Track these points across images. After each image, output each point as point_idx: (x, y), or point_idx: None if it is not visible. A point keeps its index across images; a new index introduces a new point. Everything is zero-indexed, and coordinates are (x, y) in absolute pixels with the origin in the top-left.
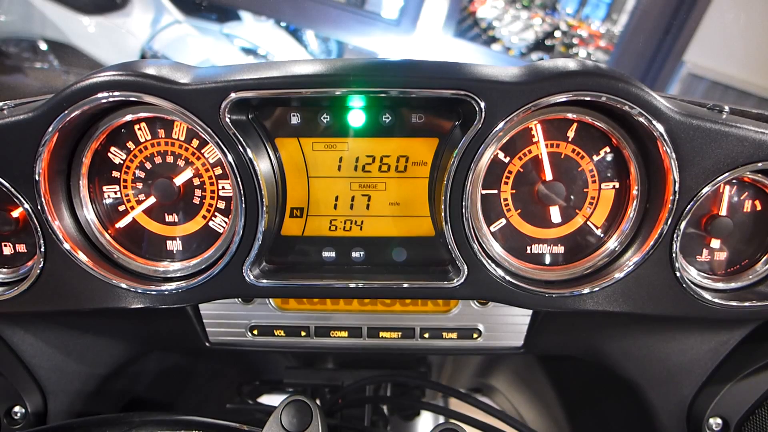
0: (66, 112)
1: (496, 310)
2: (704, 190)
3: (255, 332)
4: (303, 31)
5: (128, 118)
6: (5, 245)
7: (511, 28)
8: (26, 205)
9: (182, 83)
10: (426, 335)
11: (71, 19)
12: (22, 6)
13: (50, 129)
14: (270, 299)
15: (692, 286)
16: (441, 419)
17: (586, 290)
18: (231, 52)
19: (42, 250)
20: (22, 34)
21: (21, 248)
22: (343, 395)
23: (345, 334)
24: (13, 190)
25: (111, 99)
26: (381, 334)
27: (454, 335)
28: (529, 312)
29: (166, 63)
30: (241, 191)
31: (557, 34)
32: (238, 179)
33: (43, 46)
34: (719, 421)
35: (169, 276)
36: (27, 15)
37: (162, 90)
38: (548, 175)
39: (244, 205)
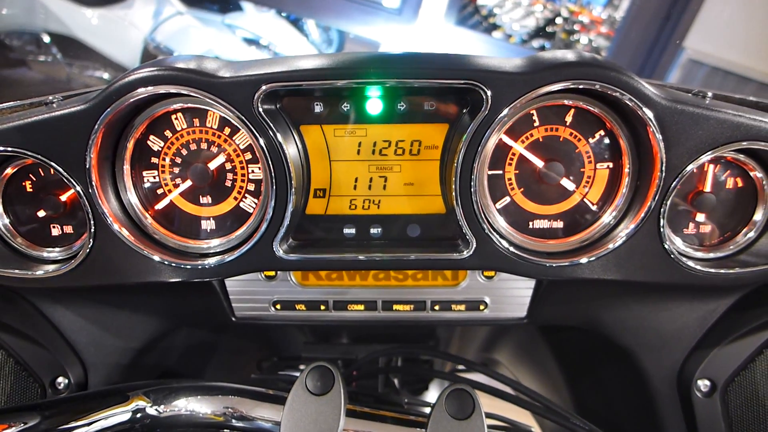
0: (116, 103)
1: (501, 284)
2: (688, 168)
3: (278, 307)
4: (304, 20)
5: (172, 107)
6: (53, 227)
7: (512, 15)
8: (78, 188)
9: (219, 76)
10: (436, 307)
11: (74, 12)
12: None
13: (101, 119)
14: (291, 276)
15: (678, 255)
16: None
17: (583, 260)
18: (233, 42)
19: (92, 230)
20: (25, 27)
21: (68, 230)
22: (358, 367)
23: (361, 307)
24: (67, 174)
25: (157, 92)
26: (395, 307)
27: (462, 307)
28: (532, 285)
29: (198, 57)
30: (272, 174)
31: (558, 20)
32: (269, 163)
33: (46, 39)
34: (707, 382)
35: (204, 252)
36: (30, 8)
37: (202, 83)
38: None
39: (274, 187)
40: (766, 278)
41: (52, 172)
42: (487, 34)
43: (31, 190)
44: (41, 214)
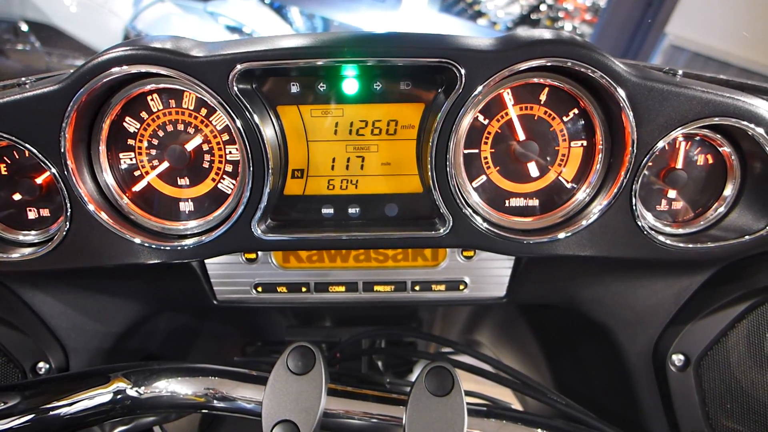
0: (89, 83)
1: (481, 264)
2: (659, 145)
3: (259, 289)
4: (287, 8)
5: (146, 88)
6: (30, 210)
7: (497, 2)
8: (53, 170)
9: (193, 55)
10: (417, 288)
11: None
12: None
13: (75, 99)
14: (272, 258)
15: (650, 230)
16: None
17: (559, 236)
18: (216, 30)
19: (69, 213)
20: (1, 16)
21: (45, 212)
22: (341, 349)
23: (342, 288)
24: (41, 156)
25: (131, 71)
26: (375, 287)
27: (442, 287)
28: (511, 264)
29: (174, 38)
30: (249, 155)
31: (543, 7)
32: (246, 144)
33: (24, 28)
34: (681, 357)
35: (182, 233)
36: None
37: (175, 62)
38: (521, 136)
39: (251, 168)
40: (736, 253)
41: (27, 155)
42: (472, 21)
43: (5, 173)
44: (17, 197)
